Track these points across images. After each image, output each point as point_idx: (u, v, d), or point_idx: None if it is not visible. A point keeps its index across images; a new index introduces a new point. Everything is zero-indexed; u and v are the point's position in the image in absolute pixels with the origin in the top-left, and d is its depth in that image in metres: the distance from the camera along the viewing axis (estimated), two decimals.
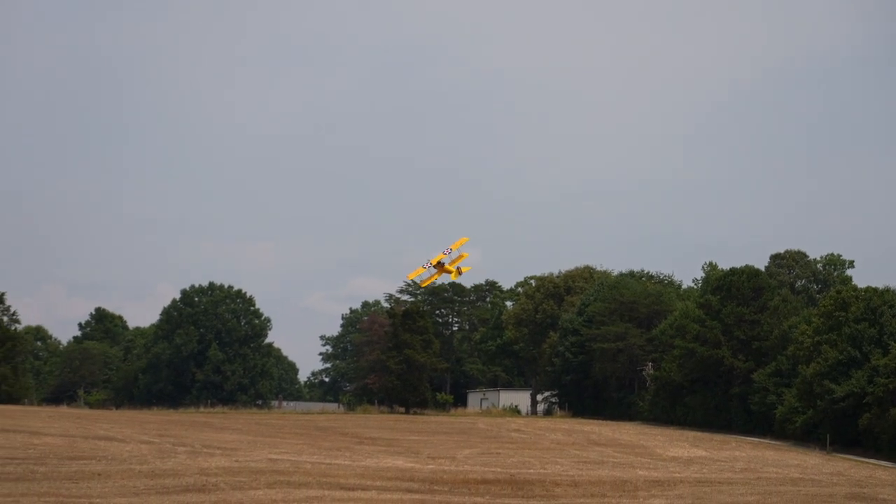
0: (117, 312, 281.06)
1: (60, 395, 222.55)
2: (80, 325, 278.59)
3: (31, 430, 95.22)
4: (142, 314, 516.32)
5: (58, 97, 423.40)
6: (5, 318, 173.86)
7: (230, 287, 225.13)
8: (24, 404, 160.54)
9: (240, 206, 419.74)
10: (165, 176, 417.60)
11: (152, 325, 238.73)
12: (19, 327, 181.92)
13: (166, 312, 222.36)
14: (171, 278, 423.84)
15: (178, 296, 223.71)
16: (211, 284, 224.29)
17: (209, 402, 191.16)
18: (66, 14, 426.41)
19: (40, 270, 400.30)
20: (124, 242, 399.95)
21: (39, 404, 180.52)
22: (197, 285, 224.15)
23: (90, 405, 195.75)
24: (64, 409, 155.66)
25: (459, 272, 77.81)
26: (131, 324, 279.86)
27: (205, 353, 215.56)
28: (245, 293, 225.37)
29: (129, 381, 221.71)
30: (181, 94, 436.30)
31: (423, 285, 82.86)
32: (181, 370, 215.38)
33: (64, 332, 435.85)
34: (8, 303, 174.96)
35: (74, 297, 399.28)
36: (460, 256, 77.89)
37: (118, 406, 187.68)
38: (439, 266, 77.03)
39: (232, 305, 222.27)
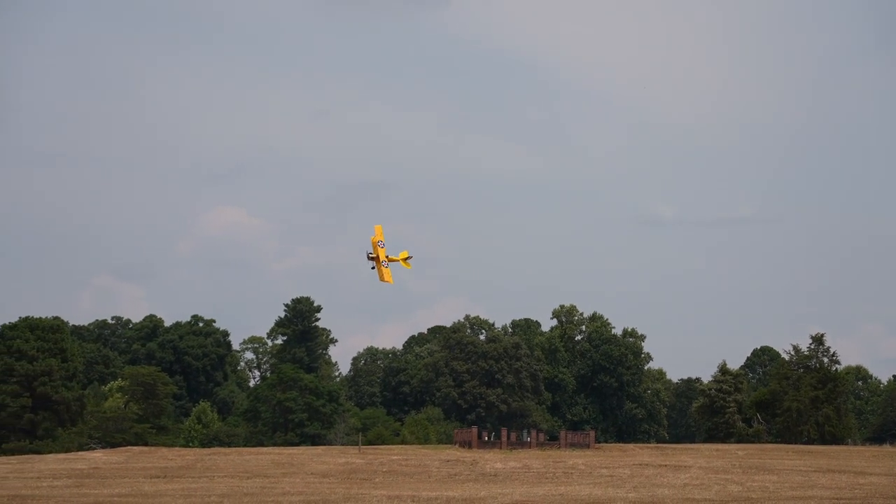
0: None
1: (883, 435, 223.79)
2: None
3: (856, 470, 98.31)
4: None
5: None
6: (826, 360, 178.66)
7: None
8: (846, 444, 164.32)
9: None
10: None
11: None
12: (839, 368, 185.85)
13: None
14: None
15: None
16: None
17: None
18: None
19: (860, 310, 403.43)
20: None
21: (863, 444, 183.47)
22: None
23: None
24: (887, 448, 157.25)
25: (406, 258, 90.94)
26: None
27: None
28: None
29: None
30: None
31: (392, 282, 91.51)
32: None
33: (884, 370, 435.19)
34: (828, 344, 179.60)
35: (894, 336, 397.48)
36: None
37: None
38: (387, 258, 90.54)
39: None
